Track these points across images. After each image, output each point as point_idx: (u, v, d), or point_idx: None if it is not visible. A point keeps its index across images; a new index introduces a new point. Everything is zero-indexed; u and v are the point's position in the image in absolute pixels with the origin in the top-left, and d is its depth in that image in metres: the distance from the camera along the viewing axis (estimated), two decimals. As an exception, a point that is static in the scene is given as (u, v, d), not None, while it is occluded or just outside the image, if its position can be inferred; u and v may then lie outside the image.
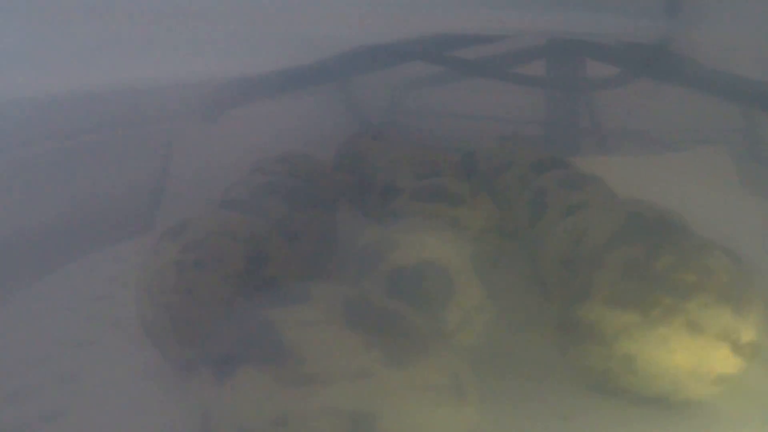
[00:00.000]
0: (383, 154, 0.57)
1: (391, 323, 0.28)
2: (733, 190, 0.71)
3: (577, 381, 0.39)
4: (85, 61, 0.60)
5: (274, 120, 0.70)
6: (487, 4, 0.72)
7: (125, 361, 0.42)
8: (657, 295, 0.36)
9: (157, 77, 0.65)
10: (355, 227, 0.48)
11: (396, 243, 0.38)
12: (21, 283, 0.50)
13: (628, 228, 0.42)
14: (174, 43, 0.64)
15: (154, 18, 0.61)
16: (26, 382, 0.40)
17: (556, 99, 0.83)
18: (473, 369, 0.31)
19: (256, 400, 0.27)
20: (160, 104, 0.66)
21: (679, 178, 0.69)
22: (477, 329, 0.38)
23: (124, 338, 0.44)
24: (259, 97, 0.74)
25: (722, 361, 0.36)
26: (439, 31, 0.78)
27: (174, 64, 0.65)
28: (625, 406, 0.38)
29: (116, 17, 0.60)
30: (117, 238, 0.57)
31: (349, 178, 0.59)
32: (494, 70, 0.82)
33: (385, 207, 0.49)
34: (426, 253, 0.37)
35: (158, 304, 0.37)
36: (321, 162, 0.58)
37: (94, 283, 0.52)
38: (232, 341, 0.28)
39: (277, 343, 0.27)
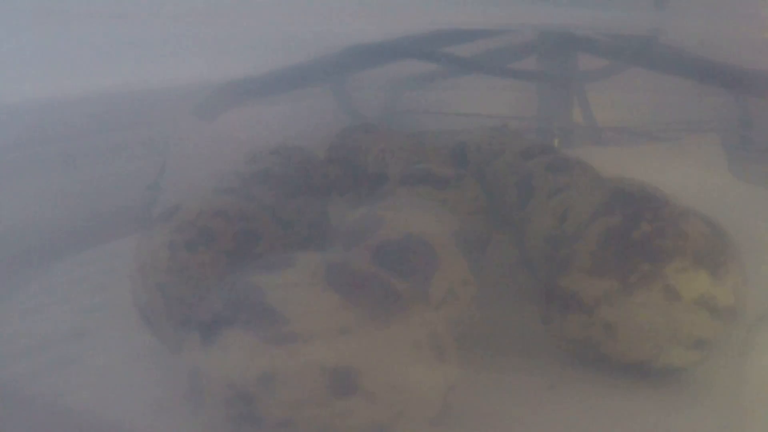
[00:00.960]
0: (374, 145, 0.58)
1: (373, 284, 0.29)
2: (724, 177, 0.72)
3: (562, 353, 0.40)
4: (86, 65, 0.61)
5: (270, 119, 0.71)
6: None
7: (123, 346, 0.43)
8: (635, 262, 0.37)
9: (155, 79, 0.66)
10: (343, 216, 0.49)
11: (382, 219, 0.39)
12: (24, 277, 0.52)
13: (610, 202, 0.43)
14: (171, 45, 0.65)
15: (152, 20, 0.62)
16: (29, 367, 0.41)
17: (548, 92, 0.84)
18: (458, 342, 0.32)
19: (243, 358, 0.28)
20: (158, 106, 0.68)
21: (669, 167, 0.69)
22: (462, 303, 0.38)
23: (122, 327, 0.45)
24: (255, 97, 0.75)
25: (700, 325, 0.37)
26: (431, 27, 0.79)
27: (172, 65, 0.66)
28: (608, 376, 0.38)
29: (116, 21, 0.61)
30: (115, 234, 0.58)
31: (340, 171, 0.60)
32: (486, 66, 0.83)
33: (375, 194, 0.50)
34: (411, 228, 0.38)
35: (152, 285, 0.38)
36: (313, 154, 0.59)
37: (93, 277, 0.53)
38: (219, 306, 0.29)
39: (262, 304, 0.28)
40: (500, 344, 0.40)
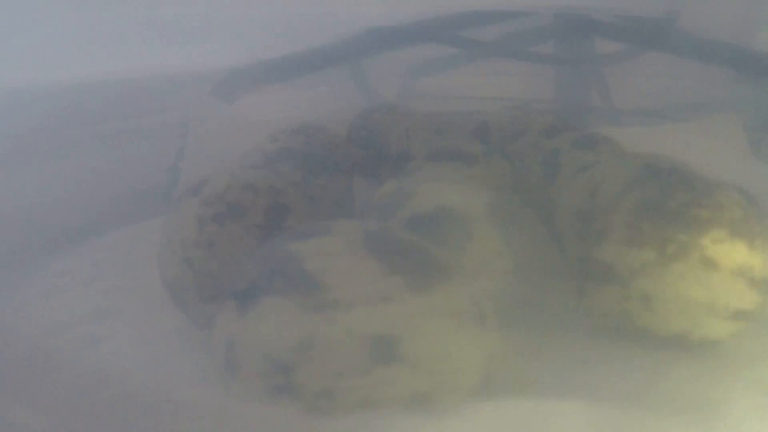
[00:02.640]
0: (396, 125, 0.58)
1: (412, 252, 0.29)
2: (744, 158, 0.71)
3: (596, 327, 0.39)
4: (106, 50, 0.61)
5: (289, 101, 0.71)
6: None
7: (149, 325, 0.42)
8: (671, 232, 0.36)
9: (172, 63, 0.66)
10: (371, 195, 0.48)
11: (413, 192, 0.38)
12: (48, 258, 0.51)
13: (641, 177, 0.42)
14: (190, 30, 0.64)
15: (168, 4, 0.62)
16: (55, 344, 0.40)
17: (567, 76, 0.83)
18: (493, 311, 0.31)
19: (280, 327, 0.27)
20: (175, 90, 0.67)
21: (690, 148, 0.69)
22: (496, 275, 0.38)
23: (146, 307, 0.44)
24: (273, 81, 0.75)
25: (738, 296, 0.36)
26: (448, 11, 0.78)
27: (191, 50, 0.66)
28: (644, 349, 0.38)
29: (135, 7, 0.61)
30: (137, 217, 0.58)
31: (362, 151, 0.59)
32: (503, 49, 0.82)
33: (399, 174, 0.49)
34: (443, 201, 0.38)
35: (180, 259, 0.38)
36: (335, 133, 0.58)
37: (115, 258, 0.53)
38: (255, 274, 0.29)
39: (300, 272, 0.28)
40: (534, 318, 0.40)
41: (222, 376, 0.30)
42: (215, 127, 0.64)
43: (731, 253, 0.36)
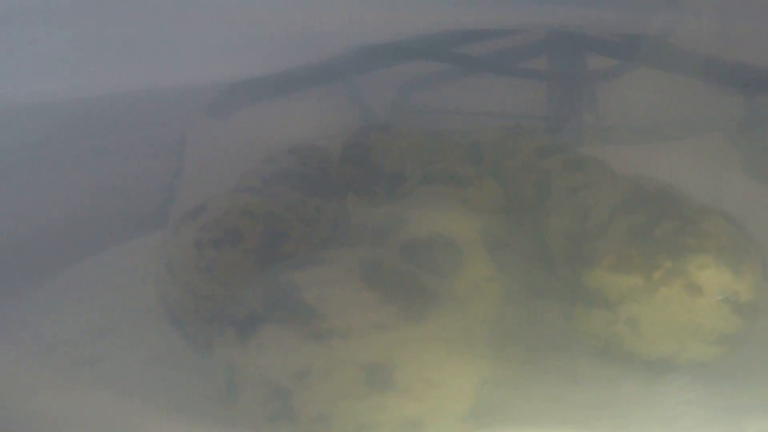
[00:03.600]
0: (390, 145, 0.59)
1: (406, 282, 0.30)
2: (736, 177, 0.72)
3: (585, 349, 0.40)
4: (99, 66, 0.61)
5: (282, 118, 0.72)
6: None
7: (145, 345, 0.43)
8: (658, 259, 0.37)
9: (164, 79, 0.66)
10: (365, 215, 0.49)
11: (406, 218, 0.39)
12: (43, 276, 0.52)
13: (630, 201, 0.43)
14: (183, 47, 0.65)
15: (161, 20, 0.62)
16: (51, 365, 0.41)
17: (558, 92, 0.84)
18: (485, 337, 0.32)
19: (280, 354, 0.28)
20: (172, 106, 0.68)
21: (682, 166, 0.70)
22: (488, 300, 0.39)
23: (142, 325, 0.45)
24: (266, 97, 0.75)
25: (723, 320, 0.37)
26: (441, 28, 0.79)
27: (184, 66, 0.67)
28: (632, 371, 0.39)
29: (127, 22, 0.61)
30: (133, 234, 0.59)
31: (357, 170, 0.60)
32: (496, 66, 0.83)
33: (393, 194, 0.50)
34: (436, 227, 0.39)
35: (180, 283, 0.39)
36: (330, 153, 0.59)
37: (112, 276, 0.54)
38: (255, 303, 0.30)
39: (298, 301, 0.29)
40: (523, 339, 0.41)
41: (222, 401, 0.31)
42: (211, 145, 0.65)
43: (716, 279, 0.37)
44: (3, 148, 0.59)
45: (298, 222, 0.40)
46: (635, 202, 0.43)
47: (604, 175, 0.50)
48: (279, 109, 0.76)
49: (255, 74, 0.74)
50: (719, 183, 0.65)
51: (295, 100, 0.78)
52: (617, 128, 0.83)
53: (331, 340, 0.28)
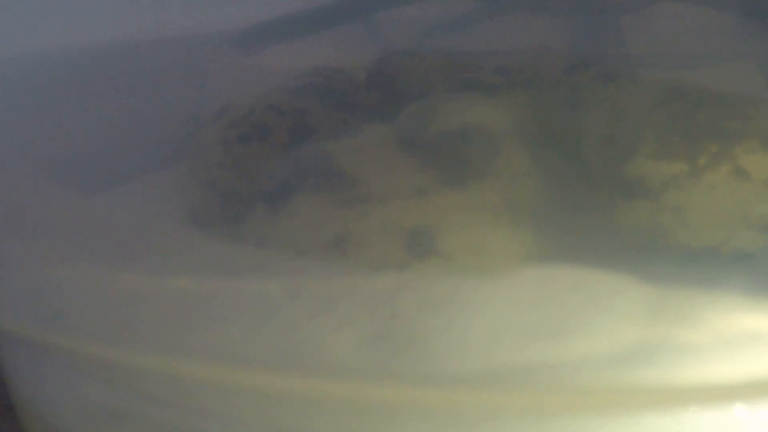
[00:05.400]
0: (416, 67, 0.57)
1: (446, 148, 0.28)
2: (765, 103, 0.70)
3: (626, 244, 0.39)
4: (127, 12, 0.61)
5: (307, 53, 0.71)
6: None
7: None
8: (703, 144, 0.36)
9: (193, 25, 0.65)
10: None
11: (438, 110, 0.38)
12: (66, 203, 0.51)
13: (669, 95, 0.42)
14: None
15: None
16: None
17: (582, 27, 0.82)
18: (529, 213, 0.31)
19: (314, 223, 0.27)
20: (197, 48, 0.67)
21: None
22: (526, 193, 0.38)
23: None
24: (290, 36, 0.74)
25: (771, 205, 0.35)
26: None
27: (208, 10, 0.66)
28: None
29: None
30: (154, 166, 0.58)
31: (382, 95, 0.59)
32: (518, 2, 0.81)
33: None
34: (470, 118, 0.37)
35: (205, 183, 0.37)
36: (355, 76, 0.58)
37: (133, 207, 0.53)
38: (285, 174, 0.28)
39: (332, 167, 0.27)
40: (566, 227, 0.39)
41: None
42: (236, 77, 0.64)
43: (763, 163, 0.35)
44: (46, 86, 0.59)
45: (327, 119, 0.39)
46: (674, 97, 0.42)
47: (636, 81, 0.49)
48: (303, 46, 0.75)
49: (279, 13, 0.73)
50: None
51: (317, 38, 0.77)
52: (642, 58, 0.82)
53: (369, 206, 0.27)
